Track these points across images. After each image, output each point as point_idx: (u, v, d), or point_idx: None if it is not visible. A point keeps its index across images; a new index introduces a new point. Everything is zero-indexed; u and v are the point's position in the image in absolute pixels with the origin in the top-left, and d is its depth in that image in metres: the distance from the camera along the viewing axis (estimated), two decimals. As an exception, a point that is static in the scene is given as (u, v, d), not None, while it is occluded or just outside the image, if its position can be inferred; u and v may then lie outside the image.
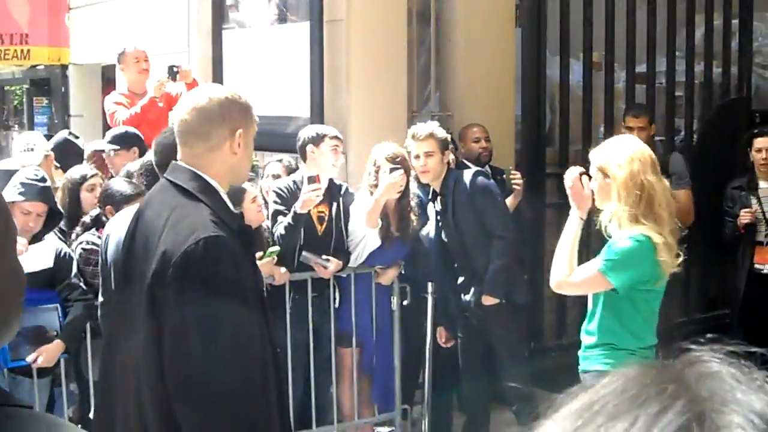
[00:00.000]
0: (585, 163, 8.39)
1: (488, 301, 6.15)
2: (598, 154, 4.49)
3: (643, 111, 7.94)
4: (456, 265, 6.38)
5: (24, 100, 14.10)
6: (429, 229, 6.52)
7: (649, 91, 9.06)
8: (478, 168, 6.55)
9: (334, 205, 6.44)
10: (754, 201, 7.68)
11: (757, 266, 7.59)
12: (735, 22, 9.70)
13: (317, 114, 7.60)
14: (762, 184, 7.73)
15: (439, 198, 6.30)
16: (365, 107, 7.58)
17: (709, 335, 0.95)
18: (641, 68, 9.03)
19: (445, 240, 6.32)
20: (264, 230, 6.17)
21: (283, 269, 6.17)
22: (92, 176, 6.36)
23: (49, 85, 12.74)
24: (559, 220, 8.26)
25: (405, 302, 6.61)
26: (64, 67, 11.92)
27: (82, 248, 5.83)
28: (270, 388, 3.28)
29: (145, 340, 3.08)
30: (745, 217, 7.53)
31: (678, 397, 0.83)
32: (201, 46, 8.79)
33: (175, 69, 7.35)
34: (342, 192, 6.51)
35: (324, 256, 6.29)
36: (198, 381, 2.99)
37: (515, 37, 8.41)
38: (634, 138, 4.64)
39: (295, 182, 6.33)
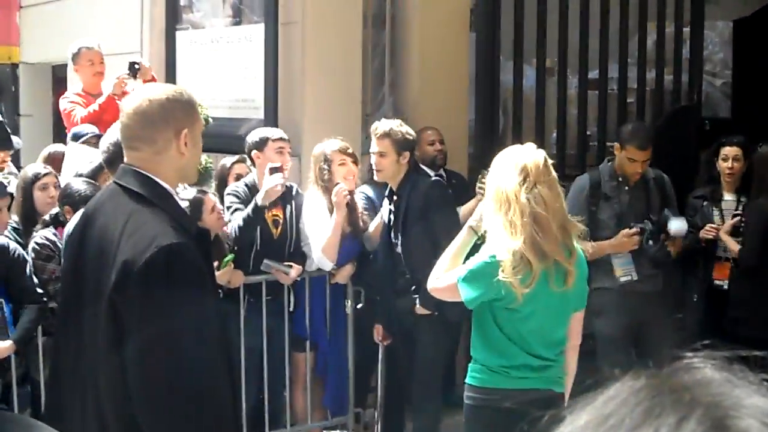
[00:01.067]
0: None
1: (421, 311, 6.03)
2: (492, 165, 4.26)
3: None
4: (398, 268, 6.27)
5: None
6: (373, 226, 6.47)
7: (601, 97, 9.14)
8: (437, 176, 6.49)
9: (288, 207, 6.41)
10: (716, 213, 7.26)
11: (716, 282, 7.15)
12: (686, 30, 9.82)
13: (271, 116, 7.58)
14: (726, 196, 7.31)
15: (394, 198, 6.22)
16: (319, 109, 7.57)
17: (704, 342, 0.95)
18: (593, 74, 9.12)
19: (393, 241, 6.25)
20: (225, 237, 6.12)
21: (239, 272, 6.14)
22: (45, 175, 6.29)
23: (-2, 84, 12.60)
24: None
25: (359, 305, 6.60)
26: (14, 66, 11.77)
27: (35, 242, 5.77)
28: (231, 395, 3.26)
29: (105, 350, 3.03)
30: (708, 232, 7.08)
31: (694, 406, 0.83)
32: (155, 46, 8.73)
33: (136, 66, 7.28)
34: (294, 194, 6.48)
35: (286, 263, 6.25)
36: (163, 389, 2.95)
37: (469, 42, 8.45)
38: (518, 148, 4.25)
39: (247, 185, 6.30)
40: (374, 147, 6.13)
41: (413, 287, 6.03)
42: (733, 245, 6.97)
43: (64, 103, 7.55)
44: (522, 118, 8.55)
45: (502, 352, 4.19)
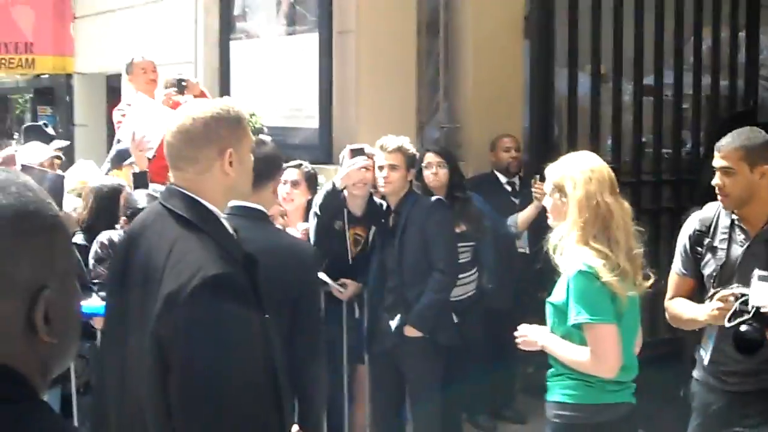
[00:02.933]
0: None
1: (411, 332, 5.88)
2: (554, 171, 4.17)
3: None
4: (387, 285, 6.07)
5: (28, 109, 14.11)
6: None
7: (656, 104, 9.06)
8: (439, 197, 6.28)
9: (372, 229, 6.26)
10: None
11: None
12: (742, 34, 9.71)
13: (325, 125, 7.59)
14: None
15: (392, 215, 6.06)
16: (374, 118, 7.54)
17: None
18: (648, 80, 9.04)
19: (385, 258, 6.07)
20: None
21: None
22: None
23: (53, 94, 12.72)
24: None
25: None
26: (69, 77, 11.90)
27: (100, 241, 5.79)
28: (278, 425, 3.18)
29: (151, 389, 2.90)
30: None
31: None
32: (208, 56, 8.77)
33: (183, 82, 7.31)
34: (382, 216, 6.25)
35: (341, 280, 6.12)
36: (210, 427, 2.84)
37: (523, 49, 8.41)
38: (593, 155, 4.19)
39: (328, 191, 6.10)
40: (385, 160, 5.97)
41: (402, 306, 5.92)
42: None
43: (117, 115, 7.60)
44: (577, 126, 8.49)
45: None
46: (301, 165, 6.47)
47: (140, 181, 6.20)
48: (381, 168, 5.97)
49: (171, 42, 9.11)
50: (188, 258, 2.89)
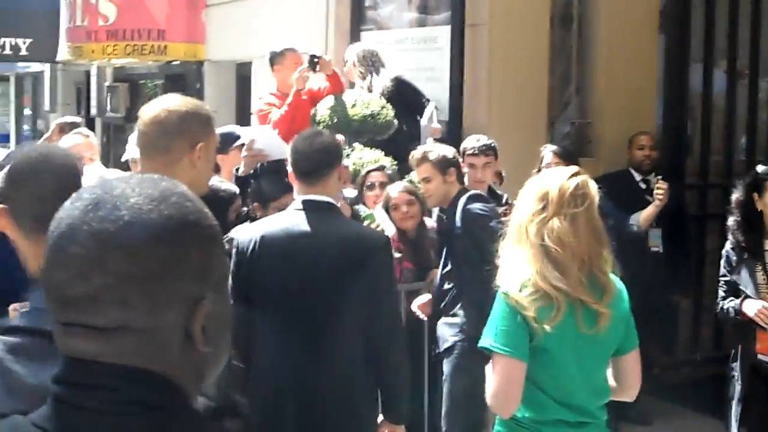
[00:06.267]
0: (724, 174, 8.25)
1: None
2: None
3: None
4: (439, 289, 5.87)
5: (158, 95, 14.33)
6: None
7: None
8: (475, 192, 5.88)
9: None
10: (760, 272, 5.33)
11: (761, 357, 5.28)
12: None
13: (456, 119, 7.54)
14: None
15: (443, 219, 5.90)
16: (505, 113, 7.49)
17: None
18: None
19: (448, 266, 5.83)
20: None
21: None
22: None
23: (184, 81, 12.90)
24: (700, 231, 8.16)
25: None
26: (200, 64, 12.06)
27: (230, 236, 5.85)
28: None
29: None
30: (761, 315, 5.15)
31: None
32: (339, 46, 8.80)
33: (315, 59, 7.33)
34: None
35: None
36: None
37: (658, 44, 8.26)
38: (551, 172, 3.78)
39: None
40: (418, 175, 5.83)
41: (458, 305, 5.70)
42: None
43: (260, 104, 7.65)
44: (711, 124, 8.31)
45: (532, 403, 3.57)
46: (383, 167, 6.59)
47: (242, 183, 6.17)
48: (420, 184, 5.89)
49: (302, 31, 9.16)
50: None
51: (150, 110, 3.31)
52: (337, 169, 4.15)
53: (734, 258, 5.39)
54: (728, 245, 5.45)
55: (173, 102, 3.33)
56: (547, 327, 3.41)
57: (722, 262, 5.48)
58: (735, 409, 5.43)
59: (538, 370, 3.51)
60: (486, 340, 3.51)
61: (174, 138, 3.24)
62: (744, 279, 5.29)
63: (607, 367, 3.70)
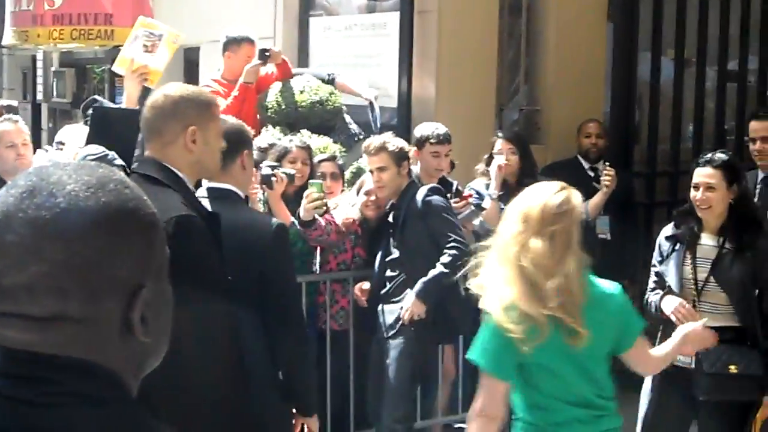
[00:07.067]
0: (672, 162, 8.30)
1: (418, 307, 5.63)
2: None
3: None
4: (387, 275, 5.92)
5: (105, 80, 14.19)
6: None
7: (740, 90, 8.90)
8: (433, 185, 6.00)
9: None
10: (688, 266, 5.03)
11: (680, 359, 4.75)
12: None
13: (404, 105, 7.53)
14: (705, 238, 5.04)
15: (392, 211, 5.94)
16: (453, 99, 7.48)
17: None
18: (732, 66, 8.87)
19: (395, 254, 5.89)
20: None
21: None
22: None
23: (131, 66, 12.77)
24: (647, 218, 8.19)
25: None
26: (147, 49, 11.95)
27: None
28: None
29: None
30: (678, 314, 4.86)
31: None
32: (288, 32, 8.75)
33: (266, 53, 7.28)
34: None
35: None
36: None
37: (606, 32, 8.28)
38: (534, 190, 3.73)
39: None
40: (371, 164, 5.84)
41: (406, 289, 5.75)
42: None
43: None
44: (658, 112, 8.36)
45: (545, 408, 3.69)
46: (335, 157, 6.60)
47: None
48: (371, 172, 5.89)
49: (250, 17, 9.09)
50: (155, 206, 3.07)
51: (152, 96, 3.53)
52: (239, 157, 4.12)
53: (665, 247, 5.12)
54: (662, 234, 5.21)
55: (173, 88, 3.53)
56: (533, 346, 3.50)
57: (654, 251, 5.23)
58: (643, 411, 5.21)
59: (540, 379, 3.66)
60: (473, 353, 3.68)
61: (167, 120, 3.43)
62: (670, 271, 5.03)
63: (608, 361, 3.79)
